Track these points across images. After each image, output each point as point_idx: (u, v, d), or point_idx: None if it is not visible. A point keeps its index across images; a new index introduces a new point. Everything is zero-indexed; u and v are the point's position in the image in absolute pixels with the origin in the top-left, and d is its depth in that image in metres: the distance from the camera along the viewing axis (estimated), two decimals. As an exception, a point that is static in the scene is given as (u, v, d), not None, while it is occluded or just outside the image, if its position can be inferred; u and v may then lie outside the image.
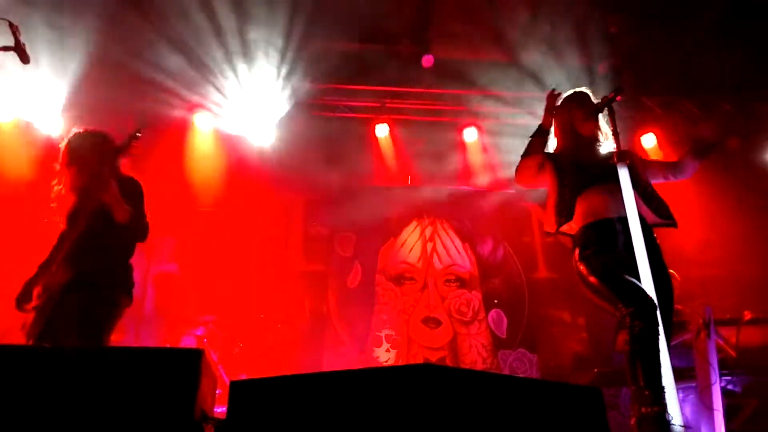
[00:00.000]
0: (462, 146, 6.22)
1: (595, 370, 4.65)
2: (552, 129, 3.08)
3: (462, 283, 6.07)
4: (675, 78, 5.91)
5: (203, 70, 5.46)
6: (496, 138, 6.08)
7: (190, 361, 1.95)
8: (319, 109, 6.04)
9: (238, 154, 5.90)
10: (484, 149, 6.19)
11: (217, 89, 5.69)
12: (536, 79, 6.03)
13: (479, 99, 6.09)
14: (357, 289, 5.83)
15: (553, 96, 3.02)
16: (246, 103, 5.80)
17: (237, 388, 1.65)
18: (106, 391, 1.88)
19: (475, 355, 5.69)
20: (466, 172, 6.18)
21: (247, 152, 5.89)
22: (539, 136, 2.99)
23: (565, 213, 2.79)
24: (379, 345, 5.66)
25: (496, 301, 6.00)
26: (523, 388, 1.75)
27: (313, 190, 6.05)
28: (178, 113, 5.73)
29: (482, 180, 6.21)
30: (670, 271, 2.88)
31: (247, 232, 5.74)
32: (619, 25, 5.82)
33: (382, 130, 6.08)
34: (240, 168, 5.89)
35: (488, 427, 1.64)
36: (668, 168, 3.12)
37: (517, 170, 3.03)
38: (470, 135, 6.11)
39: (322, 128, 6.00)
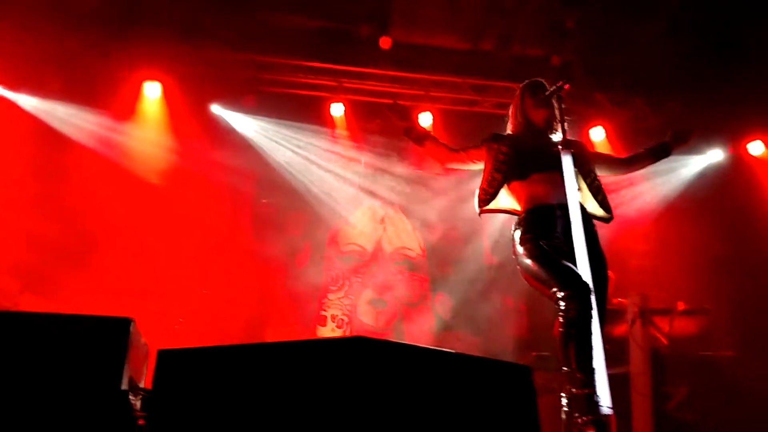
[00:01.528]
0: (417, 130, 6.22)
1: (533, 353, 4.77)
2: (509, 115, 3.15)
3: (411, 266, 6.13)
4: (627, 75, 6.04)
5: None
6: (451, 124, 6.11)
7: (119, 330, 1.90)
8: (274, 84, 5.94)
9: (187, 125, 5.74)
10: (439, 134, 6.21)
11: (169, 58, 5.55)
12: (493, 67, 6.09)
13: (436, 84, 6.10)
14: (305, 269, 5.81)
15: (395, 109, 3.08)
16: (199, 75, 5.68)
17: (165, 358, 1.61)
18: (29, 358, 1.82)
19: (419, 337, 5.76)
20: (419, 156, 6.19)
21: (196, 124, 5.75)
22: (407, 137, 3.12)
23: (487, 197, 2.90)
24: (324, 324, 5.66)
25: (443, 285, 6.09)
26: (453, 363, 1.77)
27: (265, 167, 5.96)
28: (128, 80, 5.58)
29: (435, 165, 6.24)
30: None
31: (194, 206, 5.62)
32: (576, 20, 5.91)
33: (337, 110, 6.02)
34: (190, 140, 5.74)
35: (418, 399, 1.65)
36: (617, 163, 3.24)
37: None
38: (425, 120, 6.11)
39: (277, 104, 5.91)
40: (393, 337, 5.70)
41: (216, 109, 6.00)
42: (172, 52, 5.54)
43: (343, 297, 5.86)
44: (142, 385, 2.04)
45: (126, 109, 5.69)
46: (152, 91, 5.74)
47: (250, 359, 1.60)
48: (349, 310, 5.82)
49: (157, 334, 4.53)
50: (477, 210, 2.97)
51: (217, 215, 5.66)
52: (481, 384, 1.77)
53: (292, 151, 5.99)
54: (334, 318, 5.72)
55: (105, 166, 5.50)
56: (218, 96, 5.94)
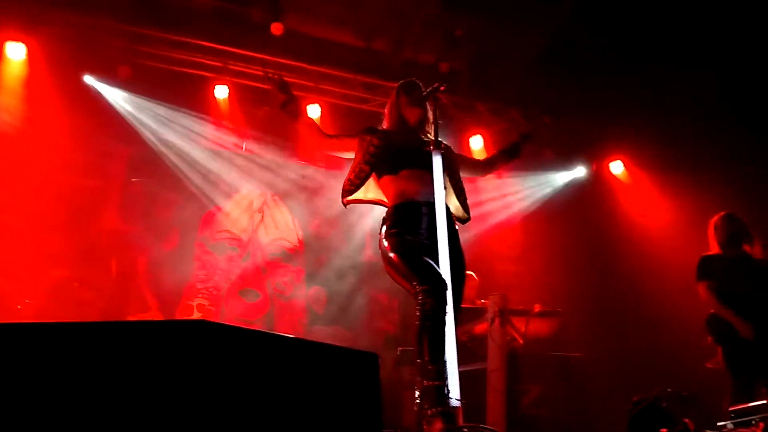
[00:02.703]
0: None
1: (399, 348, 4.88)
2: (385, 112, 3.20)
3: (287, 257, 6.05)
4: (507, 88, 6.37)
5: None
6: (339, 118, 6.13)
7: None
8: (154, 59, 5.63)
9: (54, 93, 5.30)
10: (326, 127, 6.19)
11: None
12: (384, 68, 6.17)
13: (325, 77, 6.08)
14: (172, 255, 5.52)
15: (273, 79, 3.13)
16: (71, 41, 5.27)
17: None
18: None
19: (290, 330, 5.71)
20: (304, 148, 6.14)
21: (64, 93, 5.33)
22: (283, 110, 3.15)
23: (352, 187, 2.96)
24: (191, 314, 5.44)
25: (318, 278, 6.07)
26: (299, 349, 1.76)
27: (140, 144, 5.64)
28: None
29: (318, 157, 6.22)
30: (470, 272, 3.15)
31: (57, 181, 5.20)
32: (465, 30, 6.15)
33: (221, 92, 5.82)
34: (56, 109, 5.30)
35: (260, 384, 1.62)
36: (478, 165, 3.40)
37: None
38: (313, 112, 6.07)
39: (157, 81, 5.61)
40: (262, 329, 5.59)
41: (89, 79, 5.60)
42: (40, 12, 5.10)
43: (212, 287, 5.66)
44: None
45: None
46: (15, 53, 5.25)
47: (73, 338, 1.49)
48: (218, 300, 5.63)
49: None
50: (343, 202, 3.01)
51: (82, 192, 5.27)
52: (326, 370, 1.78)
53: (170, 130, 5.71)
54: (201, 308, 5.50)
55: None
56: (92, 66, 5.54)
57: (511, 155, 3.35)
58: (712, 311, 4.10)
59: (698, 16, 5.22)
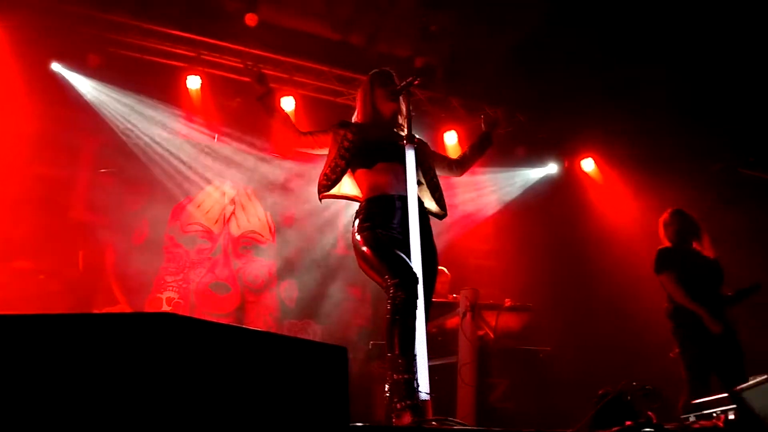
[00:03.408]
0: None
1: (371, 342, 4.89)
2: (357, 103, 3.17)
3: (258, 250, 6.00)
4: (481, 84, 6.40)
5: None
6: (313, 111, 6.09)
7: None
8: (125, 47, 5.52)
9: (19, 79, 5.17)
10: (300, 120, 6.15)
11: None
12: (359, 61, 6.14)
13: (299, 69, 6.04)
14: (141, 247, 5.44)
15: (252, 71, 3.11)
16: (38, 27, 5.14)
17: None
18: None
19: (261, 324, 5.68)
20: (277, 141, 6.09)
21: (29, 79, 5.19)
22: (259, 102, 3.10)
23: (329, 182, 2.93)
24: (160, 307, 5.36)
25: (290, 272, 6.03)
26: (267, 343, 1.74)
27: (109, 134, 5.53)
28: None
29: (287, 146, 6.18)
30: (442, 268, 3.14)
31: (21, 171, 5.07)
32: (440, 26, 6.15)
33: (193, 82, 5.74)
34: (21, 96, 5.17)
35: (226, 378, 1.61)
36: (453, 163, 3.37)
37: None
38: (287, 104, 6.03)
39: (128, 69, 5.51)
40: (233, 323, 5.54)
41: (56, 67, 5.48)
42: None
43: (181, 279, 5.59)
44: None
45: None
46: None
47: (37, 331, 1.46)
48: (187, 294, 5.56)
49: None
50: (318, 197, 2.99)
51: (48, 182, 5.15)
52: (294, 364, 1.77)
53: (140, 120, 5.61)
54: (170, 301, 5.43)
55: None
56: (60, 53, 5.42)
57: (484, 146, 3.32)
58: (672, 303, 4.12)
59: (669, 16, 5.31)
